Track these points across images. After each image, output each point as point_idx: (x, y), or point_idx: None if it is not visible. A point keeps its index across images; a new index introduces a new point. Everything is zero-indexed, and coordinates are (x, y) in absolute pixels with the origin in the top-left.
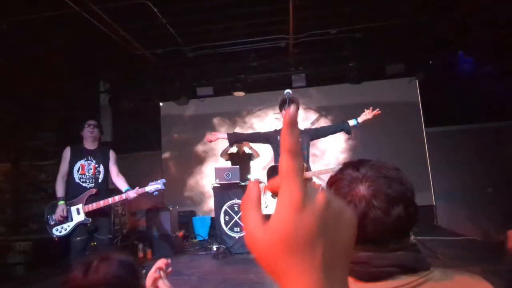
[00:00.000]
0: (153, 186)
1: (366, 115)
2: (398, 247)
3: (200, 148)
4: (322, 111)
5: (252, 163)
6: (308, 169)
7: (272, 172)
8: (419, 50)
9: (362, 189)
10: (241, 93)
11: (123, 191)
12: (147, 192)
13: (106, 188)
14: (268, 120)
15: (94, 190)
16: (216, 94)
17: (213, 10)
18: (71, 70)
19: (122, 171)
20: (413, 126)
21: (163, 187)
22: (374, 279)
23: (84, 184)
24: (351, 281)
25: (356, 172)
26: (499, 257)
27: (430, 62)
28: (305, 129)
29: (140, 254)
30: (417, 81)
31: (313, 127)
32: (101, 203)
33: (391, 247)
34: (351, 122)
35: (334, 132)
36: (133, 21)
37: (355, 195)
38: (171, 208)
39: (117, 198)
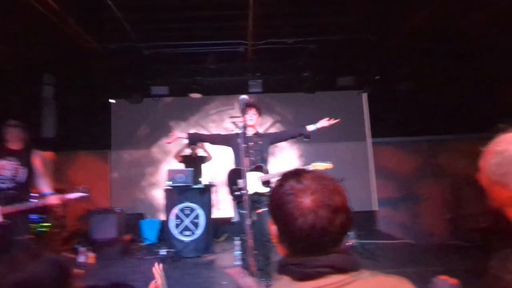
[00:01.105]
0: (77, 193)
1: (324, 122)
2: (333, 251)
3: (152, 148)
4: (276, 117)
5: (203, 166)
6: (267, 172)
7: (233, 174)
8: (367, 66)
9: (308, 201)
10: (198, 95)
11: (45, 195)
12: (71, 199)
13: (27, 190)
14: (224, 123)
15: (12, 192)
16: (172, 94)
17: (172, 9)
18: (12, 58)
19: (65, 170)
20: (359, 136)
21: (87, 194)
22: (308, 278)
23: (2, 185)
24: (287, 280)
25: (300, 184)
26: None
27: (376, 78)
28: (265, 133)
29: (81, 259)
30: (364, 94)
31: (272, 131)
32: (18, 207)
33: (328, 250)
34: (310, 127)
35: (293, 136)
36: (85, 11)
37: (303, 208)
38: (118, 211)
39: (34, 203)
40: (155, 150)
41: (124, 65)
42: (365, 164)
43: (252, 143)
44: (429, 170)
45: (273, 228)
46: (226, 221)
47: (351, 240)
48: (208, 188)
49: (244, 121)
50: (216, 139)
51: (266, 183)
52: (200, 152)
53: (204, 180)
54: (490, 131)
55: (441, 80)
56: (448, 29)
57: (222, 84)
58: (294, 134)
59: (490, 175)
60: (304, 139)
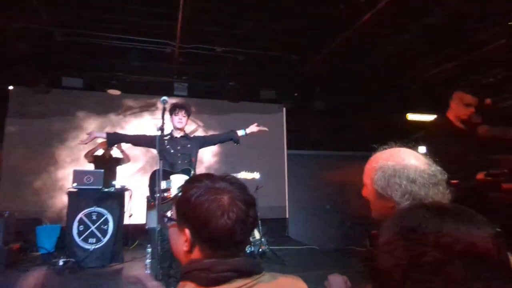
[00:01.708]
0: None
1: (254, 128)
2: (243, 249)
3: (57, 145)
4: (200, 122)
5: (119, 168)
6: (190, 172)
7: (155, 175)
8: (288, 82)
9: (226, 198)
10: (117, 92)
11: None
12: None
13: None
14: (144, 123)
15: None
16: (87, 88)
17: None
18: None
19: None
20: (277, 147)
21: None
22: (214, 284)
23: None
24: (192, 286)
25: (215, 184)
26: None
27: (295, 94)
28: (194, 136)
29: None
30: (284, 108)
31: (201, 134)
32: None
33: (243, 246)
34: (240, 132)
35: (223, 140)
36: None
37: (223, 205)
38: (5, 215)
39: None
40: (61, 148)
41: (30, 49)
42: (281, 174)
43: (180, 146)
44: (334, 182)
45: (184, 232)
46: (139, 228)
47: (262, 246)
48: (120, 192)
49: (163, 124)
50: (141, 140)
51: None
52: (115, 153)
53: (118, 183)
54: (366, 150)
55: (351, 101)
56: (358, 57)
57: (145, 83)
58: (223, 138)
59: (375, 190)
60: (234, 144)
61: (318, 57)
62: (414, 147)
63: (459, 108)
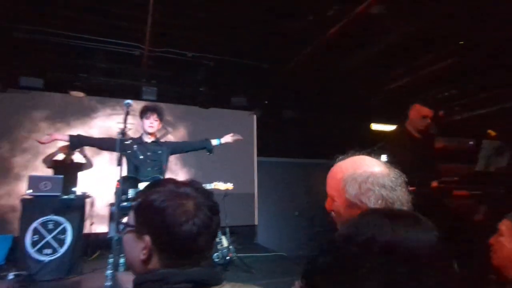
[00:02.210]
0: None
1: (229, 138)
2: (205, 257)
3: (10, 148)
4: (169, 127)
5: (81, 174)
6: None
7: (124, 182)
8: (259, 90)
9: (191, 204)
10: (81, 94)
11: None
12: None
13: None
14: (109, 128)
15: None
16: (47, 89)
17: None
18: None
19: None
20: (247, 154)
21: None
22: None
23: None
24: None
25: (179, 189)
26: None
27: (266, 102)
28: (165, 141)
29: None
30: (255, 115)
31: (173, 140)
32: None
33: (206, 253)
34: (214, 142)
35: (195, 149)
36: None
37: (188, 211)
38: None
39: None
40: (16, 152)
41: None
42: (251, 181)
43: (150, 152)
44: (303, 189)
45: (144, 240)
46: (100, 237)
47: (230, 254)
48: (81, 200)
49: (125, 128)
50: (107, 144)
51: None
52: (77, 158)
53: (79, 190)
54: (333, 157)
55: (319, 110)
56: (326, 68)
57: (112, 86)
58: (196, 146)
59: (346, 199)
60: (207, 153)
61: (288, 67)
62: (376, 155)
63: (417, 120)
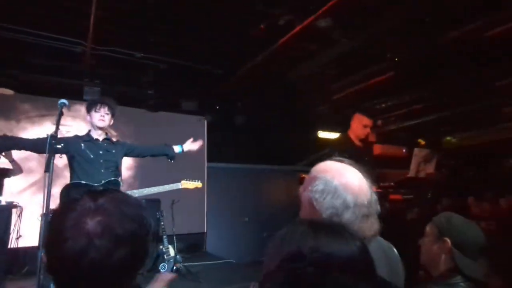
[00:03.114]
0: None
1: (192, 145)
2: None
3: None
4: (114, 131)
5: (7, 181)
6: (118, 184)
7: (71, 190)
8: (211, 94)
9: (90, 223)
10: (9, 91)
11: None
12: None
13: None
14: (43, 130)
15: None
16: None
17: None
18: None
19: None
20: (197, 159)
21: None
22: None
23: None
24: None
25: (91, 202)
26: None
27: (217, 107)
28: (118, 140)
29: None
30: (206, 121)
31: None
32: None
33: None
34: (176, 149)
35: (155, 154)
36: None
37: (80, 229)
38: None
39: None
40: None
41: None
42: (201, 188)
43: (103, 151)
44: (253, 195)
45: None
46: (29, 252)
47: (177, 264)
48: (6, 210)
49: (57, 130)
50: (42, 146)
51: None
52: (2, 162)
53: (3, 199)
54: (283, 163)
55: (269, 117)
56: (277, 76)
57: (48, 85)
58: (156, 152)
59: (310, 197)
60: (168, 160)
61: (240, 73)
62: (322, 161)
63: (358, 128)
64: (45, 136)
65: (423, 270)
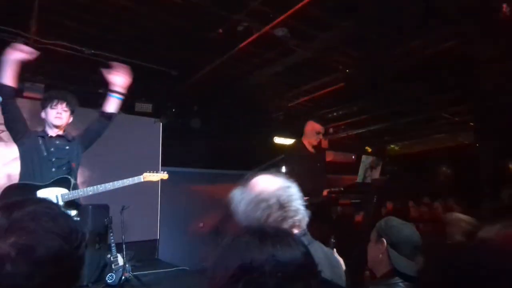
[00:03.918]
0: None
1: (116, 80)
2: None
3: None
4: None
5: None
6: (75, 187)
7: (14, 192)
8: (167, 97)
9: (3, 246)
10: None
11: None
12: None
13: None
14: None
15: None
16: None
17: None
18: None
19: None
20: (151, 163)
21: None
22: None
23: None
24: None
25: (3, 219)
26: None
27: (173, 110)
28: (73, 135)
29: None
30: (161, 123)
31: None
32: None
33: None
34: (111, 103)
35: (100, 130)
36: None
37: None
38: None
39: None
40: None
41: None
42: (154, 192)
43: (54, 148)
44: (208, 200)
45: None
46: None
47: (126, 273)
48: None
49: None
50: (22, 123)
51: (71, 204)
52: None
53: None
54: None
55: (226, 122)
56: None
57: None
58: (99, 127)
59: (239, 213)
60: (108, 120)
61: (198, 76)
62: (278, 167)
63: (311, 135)
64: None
65: (368, 271)
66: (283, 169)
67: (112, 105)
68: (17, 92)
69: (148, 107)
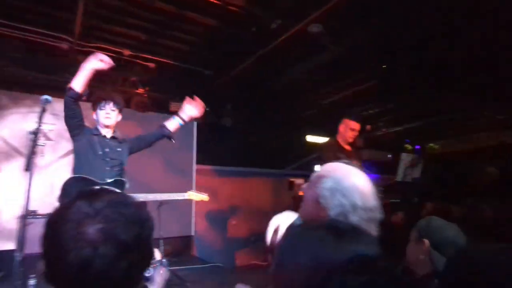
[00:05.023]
0: None
1: (191, 110)
2: None
3: None
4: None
5: None
6: (124, 184)
7: (75, 184)
8: (201, 96)
9: (92, 231)
10: None
11: None
12: None
13: None
14: (27, 126)
15: None
16: None
17: None
18: None
19: None
20: (186, 161)
21: None
22: None
23: None
24: None
25: (88, 207)
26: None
27: (207, 109)
28: (124, 138)
29: None
30: (195, 122)
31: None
32: None
33: None
34: (173, 124)
35: (156, 139)
36: None
37: (83, 239)
38: None
39: None
40: None
41: None
42: (188, 189)
43: (109, 149)
44: (241, 198)
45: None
46: (5, 256)
47: (163, 268)
48: None
49: (39, 128)
50: (81, 120)
51: None
52: None
53: None
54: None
55: (258, 120)
56: (266, 80)
57: (30, 80)
58: (153, 138)
59: (317, 194)
60: (170, 140)
61: (230, 75)
62: (311, 165)
63: (346, 132)
64: (23, 136)
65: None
66: (317, 167)
67: (173, 126)
68: (82, 97)
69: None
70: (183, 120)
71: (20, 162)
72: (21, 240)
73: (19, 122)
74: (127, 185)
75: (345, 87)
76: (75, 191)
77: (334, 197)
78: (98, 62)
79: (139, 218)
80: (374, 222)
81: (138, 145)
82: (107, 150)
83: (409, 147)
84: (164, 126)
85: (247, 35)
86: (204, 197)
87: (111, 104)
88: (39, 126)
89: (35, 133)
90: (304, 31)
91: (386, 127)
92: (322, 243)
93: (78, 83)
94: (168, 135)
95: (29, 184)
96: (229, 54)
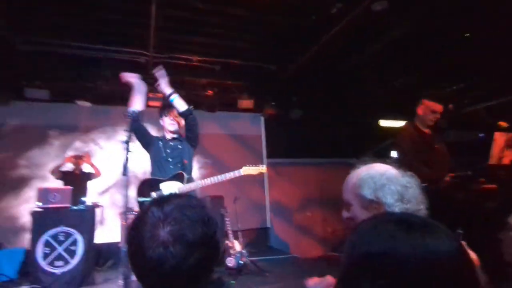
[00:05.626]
0: None
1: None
2: None
3: (19, 161)
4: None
5: (90, 184)
6: (189, 180)
7: (145, 185)
8: (266, 91)
9: (163, 233)
10: (87, 103)
11: None
12: None
13: None
14: (116, 137)
15: None
16: (53, 99)
17: (63, 2)
18: None
19: None
20: (256, 155)
21: None
22: None
23: None
24: None
25: (160, 213)
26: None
27: (273, 104)
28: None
29: None
30: (262, 117)
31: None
32: None
33: None
34: (175, 105)
35: (190, 125)
36: None
37: (156, 240)
38: None
39: None
40: (24, 164)
41: None
42: (261, 183)
43: (170, 149)
44: (315, 189)
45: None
46: (112, 247)
47: (243, 258)
48: (91, 210)
49: (130, 138)
50: (147, 137)
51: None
52: (85, 168)
53: (89, 200)
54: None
55: (327, 109)
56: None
57: (117, 94)
58: (186, 123)
59: (363, 198)
60: (190, 114)
61: (294, 67)
62: (387, 151)
63: (426, 115)
64: (118, 147)
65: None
66: (393, 154)
67: (177, 105)
68: (140, 115)
69: (250, 103)
70: (165, 93)
71: (116, 165)
72: (124, 234)
73: (113, 132)
74: (186, 177)
75: (420, 64)
76: (145, 189)
77: (380, 187)
78: (128, 79)
79: (203, 218)
80: (415, 188)
81: (188, 137)
82: (168, 151)
83: (504, 124)
84: (173, 106)
85: (308, 23)
86: (261, 168)
87: (175, 111)
88: (130, 134)
89: (127, 142)
90: (368, 10)
91: (473, 104)
92: (391, 236)
93: (141, 104)
94: (181, 113)
95: (126, 186)
96: (291, 46)
